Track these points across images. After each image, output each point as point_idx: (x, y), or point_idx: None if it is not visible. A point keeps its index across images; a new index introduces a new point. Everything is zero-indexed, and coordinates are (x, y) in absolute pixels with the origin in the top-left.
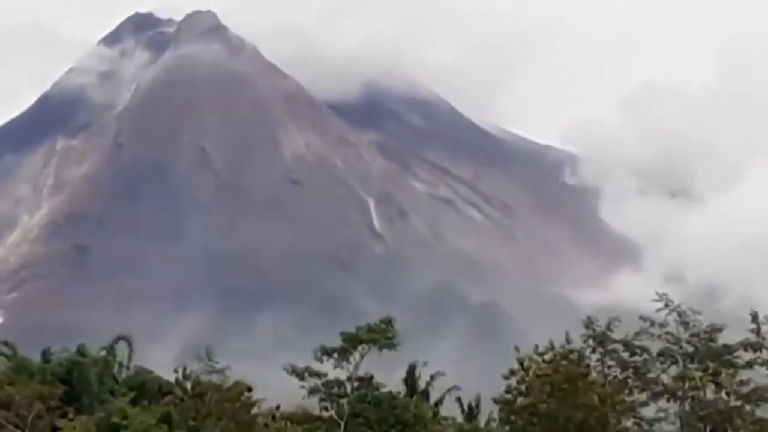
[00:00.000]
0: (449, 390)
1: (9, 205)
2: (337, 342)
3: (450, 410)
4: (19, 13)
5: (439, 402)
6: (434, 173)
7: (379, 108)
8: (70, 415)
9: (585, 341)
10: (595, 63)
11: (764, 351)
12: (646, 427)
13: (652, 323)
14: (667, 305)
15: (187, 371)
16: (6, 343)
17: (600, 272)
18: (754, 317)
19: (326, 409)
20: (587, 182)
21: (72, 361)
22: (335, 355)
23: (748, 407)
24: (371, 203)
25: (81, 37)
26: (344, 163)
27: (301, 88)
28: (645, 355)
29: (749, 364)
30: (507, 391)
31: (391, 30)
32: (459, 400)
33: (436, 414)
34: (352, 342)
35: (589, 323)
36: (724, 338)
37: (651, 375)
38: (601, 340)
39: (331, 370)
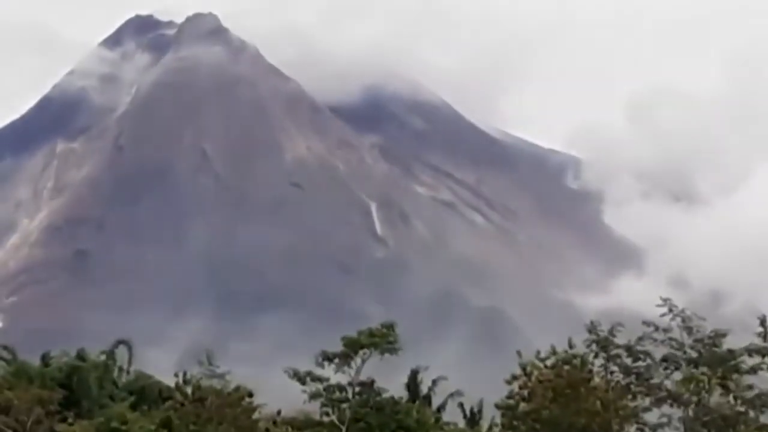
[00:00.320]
0: (451, 395)
1: (9, 208)
2: (338, 346)
3: (452, 415)
4: (19, 15)
5: (441, 407)
6: (436, 177)
7: (381, 111)
8: (70, 420)
9: (588, 346)
10: (600, 66)
11: None
12: None
13: (656, 328)
14: (670, 310)
15: (188, 376)
16: (5, 348)
17: (603, 276)
18: (762, 321)
19: (327, 414)
20: (591, 186)
21: (72, 366)
22: (336, 359)
23: (752, 413)
24: (373, 207)
25: (81, 39)
26: (346, 167)
27: (303, 91)
28: (648, 361)
29: (753, 370)
30: (509, 397)
31: (394, 32)
32: (461, 405)
33: (438, 419)
34: (353, 347)
35: (592, 328)
36: (728, 343)
37: (654, 380)
38: (604, 345)
39: (332, 374)
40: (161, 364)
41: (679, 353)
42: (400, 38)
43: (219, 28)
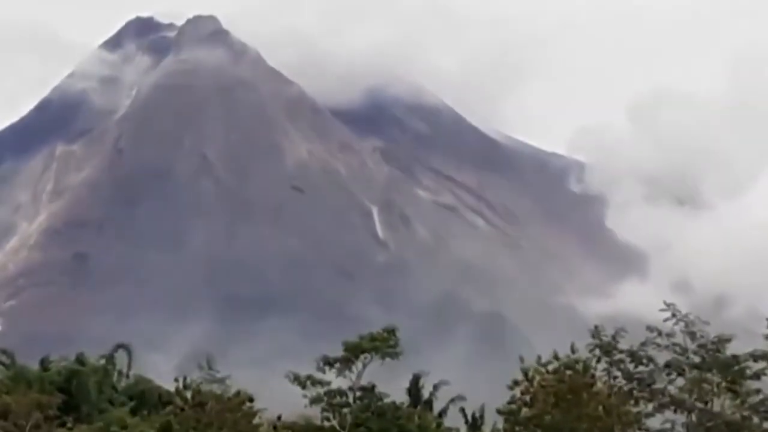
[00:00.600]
0: (453, 400)
1: (8, 211)
2: (339, 351)
3: (454, 421)
4: (19, 17)
5: (443, 412)
6: (438, 180)
7: (382, 114)
8: (69, 425)
9: (591, 351)
10: (603, 69)
11: None
12: None
13: (659, 333)
14: (674, 315)
15: (188, 380)
16: (4, 352)
17: (606, 281)
18: None
19: (328, 419)
20: (593, 190)
21: (71, 370)
22: (337, 364)
23: (756, 418)
24: (374, 210)
25: (81, 41)
26: (347, 170)
27: (304, 94)
28: (651, 366)
29: (757, 375)
30: (511, 402)
31: (395, 35)
32: (463, 410)
33: (440, 424)
34: (354, 351)
35: (596, 333)
36: (732, 348)
37: (657, 386)
38: (607, 350)
39: (333, 379)
40: (161, 369)
41: (682, 358)
42: (402, 41)
43: (220, 31)
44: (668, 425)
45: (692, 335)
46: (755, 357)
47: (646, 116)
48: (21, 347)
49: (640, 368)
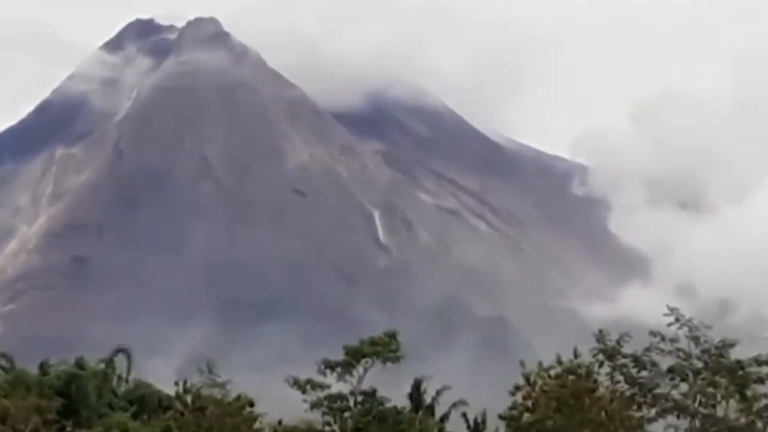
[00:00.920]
0: (455, 405)
1: (7, 214)
2: (341, 355)
3: (456, 426)
4: (19, 18)
5: (444, 417)
6: (440, 184)
7: (384, 117)
8: (68, 429)
9: (594, 355)
10: (606, 72)
11: None
12: None
13: (663, 338)
14: (677, 319)
15: (188, 384)
16: (3, 355)
17: (609, 285)
18: None
19: (329, 423)
20: (596, 193)
21: (70, 374)
22: (338, 368)
23: (759, 423)
24: (376, 214)
25: (82, 42)
26: (349, 173)
27: (305, 97)
28: (654, 370)
29: (761, 379)
30: (512, 407)
31: (398, 38)
32: (465, 415)
33: (441, 430)
34: (355, 355)
35: (600, 337)
36: (736, 352)
37: (659, 391)
38: (611, 354)
39: (334, 383)
40: (161, 373)
41: (685, 363)
42: (404, 43)
43: (220, 33)
44: (671, 431)
45: (696, 340)
46: (759, 362)
47: (648, 119)
48: (20, 351)
49: (642, 373)
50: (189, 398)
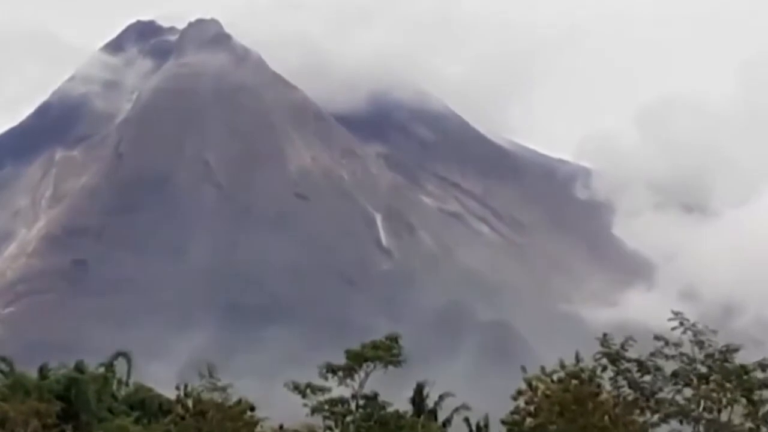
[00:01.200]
0: (457, 410)
1: (6, 217)
2: (343, 359)
3: (458, 431)
4: (20, 19)
5: (447, 422)
6: (443, 187)
7: (387, 120)
8: None
9: (598, 360)
10: (611, 75)
11: None
12: None
13: (667, 342)
14: (682, 324)
15: (189, 389)
16: (3, 359)
17: (612, 289)
18: None
19: (331, 428)
20: (600, 197)
21: (70, 378)
22: (340, 372)
23: (765, 429)
24: (378, 218)
25: (82, 44)
26: (351, 177)
27: (307, 99)
28: (658, 375)
29: (765, 384)
30: (515, 412)
31: (400, 40)
32: (467, 420)
33: None
34: (357, 359)
35: (604, 341)
36: (740, 357)
37: (662, 395)
38: (615, 359)
39: (336, 387)
40: (161, 377)
41: (689, 368)
42: (407, 46)
43: (222, 35)
44: None
45: (700, 345)
46: (764, 366)
47: (653, 122)
48: (20, 354)
49: (645, 377)
50: (190, 402)
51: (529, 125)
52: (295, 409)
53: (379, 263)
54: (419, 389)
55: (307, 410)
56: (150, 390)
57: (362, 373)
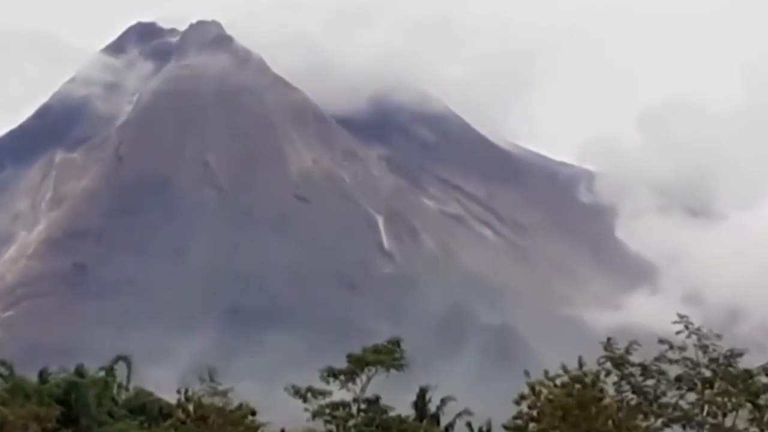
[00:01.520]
0: (460, 414)
1: (6, 220)
2: (344, 363)
3: None
4: (20, 21)
5: (449, 427)
6: (445, 190)
7: (388, 122)
8: None
9: (602, 364)
10: (613, 77)
11: None
12: None
13: (671, 346)
14: (686, 327)
15: (189, 393)
16: (2, 363)
17: (615, 293)
18: None
19: None
20: (603, 200)
21: (70, 382)
22: (342, 376)
23: None
24: (380, 220)
25: (83, 45)
26: (352, 179)
27: (309, 101)
28: (662, 379)
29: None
30: (517, 417)
31: (402, 42)
32: (469, 425)
33: None
34: (358, 363)
35: (608, 345)
36: (744, 361)
37: (665, 400)
38: (618, 363)
39: (337, 391)
40: (162, 381)
41: (693, 372)
42: (408, 48)
43: (223, 37)
44: None
45: (704, 349)
46: None
47: (657, 124)
48: (19, 358)
49: (647, 382)
50: (190, 406)
51: (530, 126)
52: (296, 413)
53: (381, 266)
54: (422, 393)
55: (308, 414)
56: (150, 394)
57: (364, 377)
